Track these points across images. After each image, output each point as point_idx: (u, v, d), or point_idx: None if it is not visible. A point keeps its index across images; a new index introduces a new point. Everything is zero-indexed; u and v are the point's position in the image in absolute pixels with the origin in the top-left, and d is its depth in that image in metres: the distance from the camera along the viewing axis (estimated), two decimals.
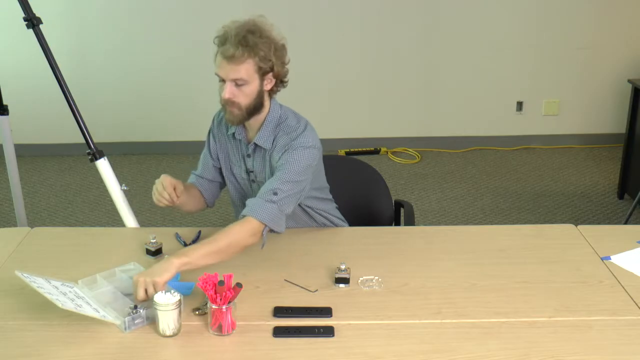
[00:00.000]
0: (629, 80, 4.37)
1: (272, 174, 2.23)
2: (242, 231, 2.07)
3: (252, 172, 2.31)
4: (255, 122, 2.23)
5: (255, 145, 2.26)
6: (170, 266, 1.92)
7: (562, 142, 5.35)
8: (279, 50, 2.16)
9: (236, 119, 2.17)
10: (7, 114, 3.11)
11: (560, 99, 5.27)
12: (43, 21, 2.68)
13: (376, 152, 5.24)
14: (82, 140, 2.71)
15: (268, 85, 2.18)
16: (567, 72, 5.19)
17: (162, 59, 5.11)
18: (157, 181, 2.23)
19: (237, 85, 2.11)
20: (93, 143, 2.70)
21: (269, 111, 2.24)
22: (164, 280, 1.89)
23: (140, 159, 5.20)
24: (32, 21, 2.65)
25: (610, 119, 5.30)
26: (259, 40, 2.10)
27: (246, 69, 2.09)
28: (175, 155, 5.22)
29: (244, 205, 2.19)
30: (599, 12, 5.05)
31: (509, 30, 5.09)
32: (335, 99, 5.24)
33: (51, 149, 5.24)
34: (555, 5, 5.03)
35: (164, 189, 2.20)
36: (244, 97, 2.13)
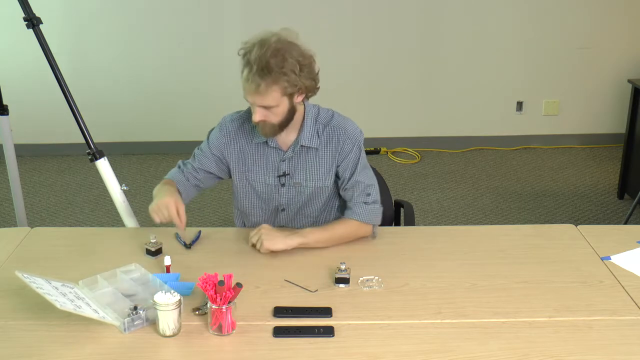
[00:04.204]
0: (629, 80, 4.37)
1: (324, 171, 2.29)
2: (357, 233, 2.27)
3: (287, 175, 2.30)
4: (289, 127, 2.23)
5: (301, 146, 2.26)
6: (290, 242, 2.16)
7: (562, 142, 5.35)
8: (306, 66, 2.12)
9: (270, 133, 2.19)
10: (7, 114, 3.11)
11: (560, 99, 5.27)
12: (43, 21, 2.68)
13: (376, 152, 5.24)
14: (82, 140, 2.71)
15: (299, 99, 2.17)
16: (567, 72, 5.19)
17: (162, 59, 5.11)
18: (160, 204, 2.18)
19: (266, 108, 2.11)
20: (93, 143, 2.71)
21: (304, 113, 2.26)
22: (275, 249, 2.15)
23: (140, 159, 5.20)
24: (32, 21, 2.65)
25: (610, 119, 5.30)
26: (283, 64, 2.05)
27: (273, 97, 2.08)
28: (175, 155, 5.18)
29: (254, 211, 2.35)
30: (599, 12, 5.05)
31: (509, 30, 5.09)
32: (334, 99, 5.21)
33: (51, 149, 5.24)
34: (555, 5, 5.03)
35: (171, 215, 2.17)
36: (275, 117, 2.14)
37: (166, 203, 2.16)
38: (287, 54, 2.07)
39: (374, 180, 2.35)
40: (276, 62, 2.04)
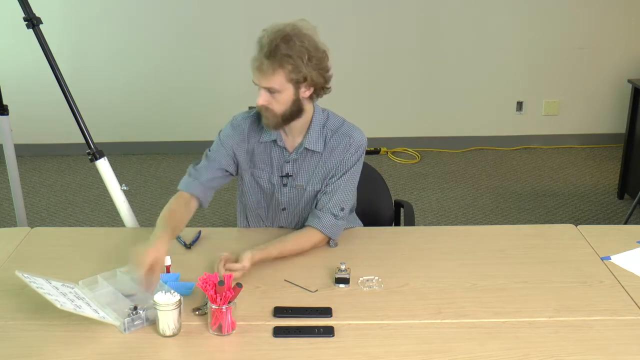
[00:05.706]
0: (629, 80, 4.37)
1: (325, 176, 2.28)
2: (309, 242, 2.22)
3: (290, 176, 2.30)
4: (296, 127, 2.23)
5: (305, 149, 2.26)
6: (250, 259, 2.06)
7: (562, 142, 5.35)
8: (315, 58, 2.13)
9: (271, 124, 2.18)
10: (7, 114, 3.11)
11: (560, 99, 5.27)
12: (43, 21, 2.68)
13: (376, 152, 5.24)
14: (82, 140, 2.71)
15: (306, 93, 2.17)
16: (567, 72, 5.19)
17: (162, 59, 5.11)
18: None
19: (271, 92, 2.11)
20: (93, 143, 2.71)
21: (313, 115, 2.25)
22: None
23: (140, 159, 5.20)
24: (32, 21, 2.65)
25: (610, 119, 5.30)
26: (291, 50, 2.07)
27: (277, 80, 2.09)
28: (175, 155, 5.22)
29: (258, 208, 2.34)
30: (599, 12, 5.05)
31: (509, 30, 5.09)
32: (334, 99, 5.22)
33: (51, 149, 5.24)
34: (555, 5, 5.03)
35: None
36: (278, 105, 2.13)
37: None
38: (297, 40, 2.09)
39: (352, 199, 2.33)
40: (285, 46, 2.07)
